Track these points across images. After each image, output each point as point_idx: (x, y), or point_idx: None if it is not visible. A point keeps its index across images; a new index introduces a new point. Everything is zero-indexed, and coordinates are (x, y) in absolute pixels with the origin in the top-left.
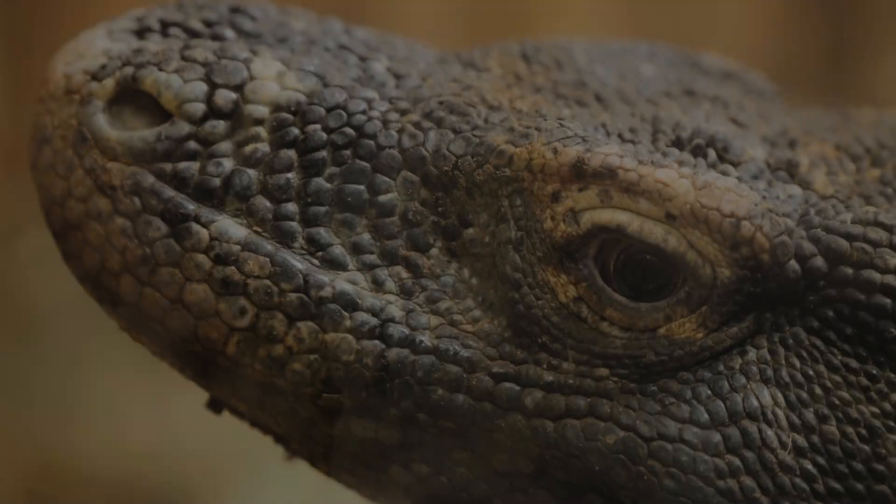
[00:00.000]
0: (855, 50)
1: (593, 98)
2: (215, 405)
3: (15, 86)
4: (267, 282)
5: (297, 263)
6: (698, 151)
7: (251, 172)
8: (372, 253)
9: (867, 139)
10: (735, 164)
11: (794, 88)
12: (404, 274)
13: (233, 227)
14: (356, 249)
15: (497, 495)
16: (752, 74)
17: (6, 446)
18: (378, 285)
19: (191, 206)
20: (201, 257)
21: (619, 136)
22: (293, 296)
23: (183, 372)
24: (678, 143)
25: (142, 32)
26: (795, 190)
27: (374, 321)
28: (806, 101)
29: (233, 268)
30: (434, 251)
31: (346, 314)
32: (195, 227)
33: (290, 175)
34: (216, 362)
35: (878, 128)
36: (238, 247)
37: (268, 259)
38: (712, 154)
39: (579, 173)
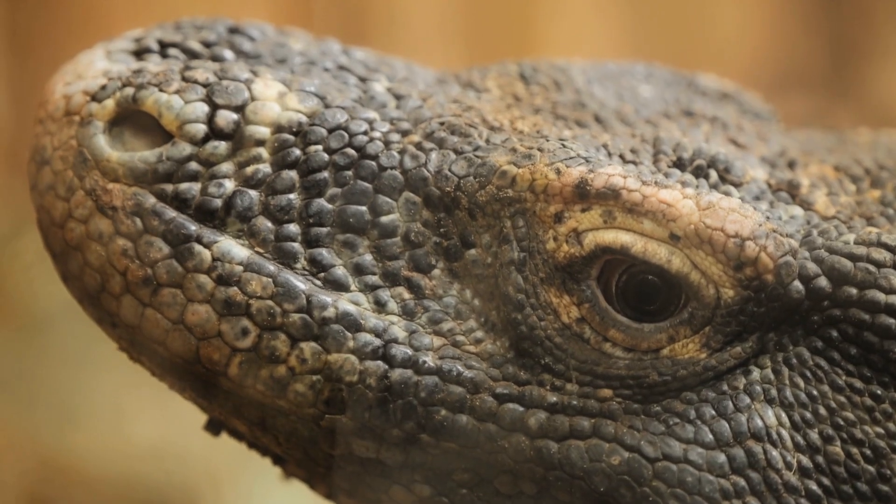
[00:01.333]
0: (857, 53)
1: (592, 119)
2: (213, 427)
3: (17, 85)
4: (270, 302)
5: (300, 284)
6: (700, 172)
7: (253, 193)
8: (374, 274)
9: (866, 160)
10: (737, 185)
11: (795, 92)
12: (406, 295)
13: (235, 248)
14: (358, 270)
15: None
16: (749, 95)
17: (8, 446)
18: (380, 306)
19: (193, 227)
20: (203, 278)
21: (621, 156)
22: (296, 316)
23: (183, 393)
24: (680, 164)
25: (140, 53)
26: (797, 211)
27: (377, 342)
28: (807, 105)
29: (235, 288)
30: (436, 272)
31: (349, 335)
32: (197, 247)
33: (291, 196)
34: (218, 383)
35: (875, 149)
36: (241, 267)
37: (270, 280)
38: (714, 175)
39: (583, 194)
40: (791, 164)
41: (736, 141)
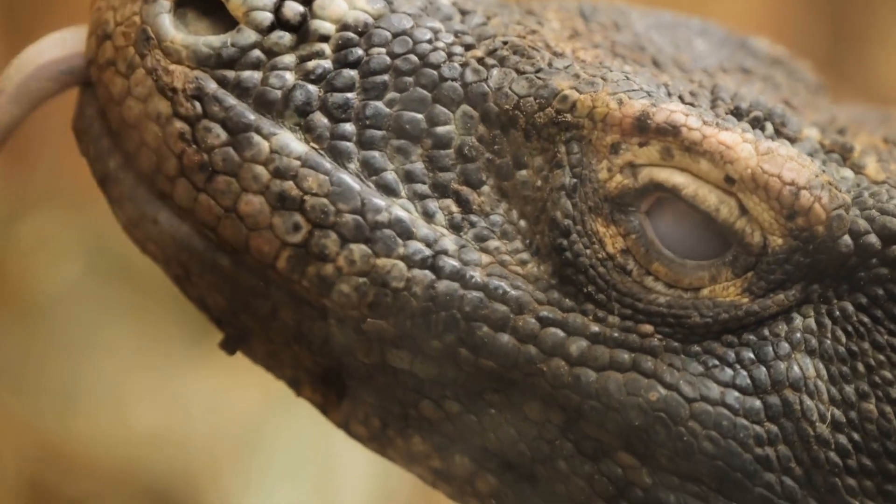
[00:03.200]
0: (857, 36)
1: (651, 62)
2: (230, 345)
3: None
4: (324, 200)
5: (356, 185)
6: (756, 123)
7: (312, 88)
8: (424, 183)
9: None
10: (792, 141)
11: None
12: (454, 208)
13: (293, 142)
14: (409, 178)
15: (523, 441)
16: (800, 63)
17: (9, 430)
18: (428, 216)
19: (252, 117)
20: (260, 169)
21: (681, 98)
22: (349, 217)
23: (216, 298)
24: (737, 113)
25: None
26: (848, 173)
27: (427, 251)
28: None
29: (291, 183)
30: (485, 188)
31: (400, 241)
32: (256, 137)
33: (350, 95)
34: (266, 276)
35: None
36: (298, 162)
37: (327, 178)
38: (770, 128)
39: (643, 127)
40: (841, 132)
41: (789, 102)
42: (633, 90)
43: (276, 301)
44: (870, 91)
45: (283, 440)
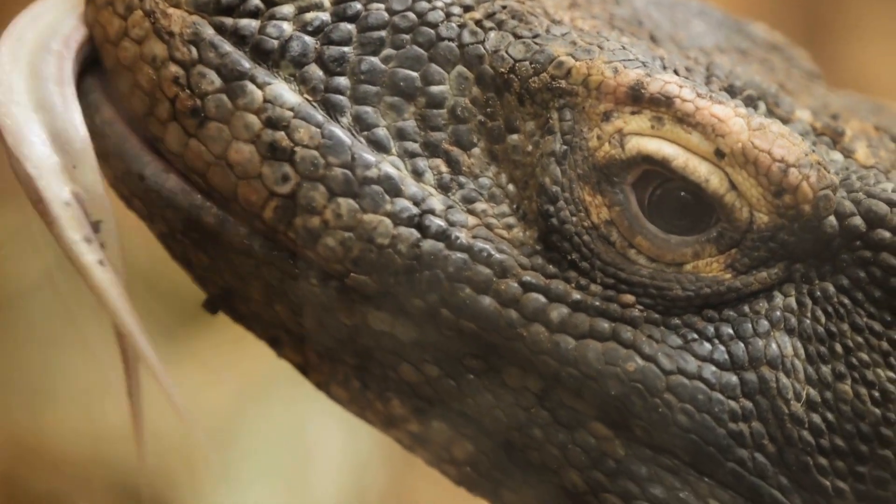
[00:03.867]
0: (830, 30)
1: (648, 37)
2: (212, 304)
3: None
4: (315, 152)
5: (346, 139)
6: (750, 102)
7: (309, 40)
8: (415, 141)
9: None
10: (784, 121)
11: None
12: (444, 168)
13: (287, 93)
14: (400, 135)
15: (500, 408)
16: (797, 51)
17: None
18: (417, 175)
19: (247, 65)
20: (252, 118)
21: (675, 72)
22: (338, 171)
23: (200, 255)
24: (730, 91)
25: None
26: (838, 156)
27: (414, 209)
28: None
29: (283, 133)
30: (476, 151)
31: (388, 198)
32: (250, 86)
33: (346, 49)
34: (252, 225)
35: None
36: (290, 113)
37: (318, 130)
38: (762, 106)
39: (636, 97)
40: (834, 117)
41: (784, 85)
42: (629, 60)
43: (259, 258)
44: (843, 83)
45: (256, 435)
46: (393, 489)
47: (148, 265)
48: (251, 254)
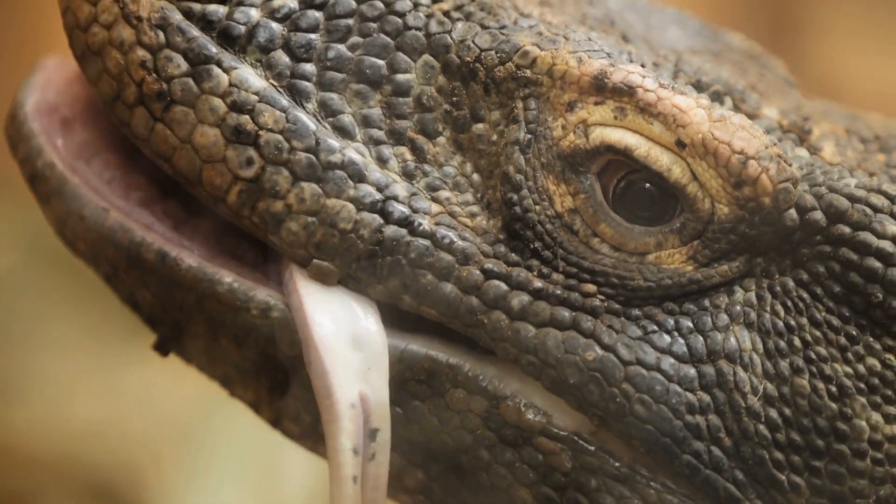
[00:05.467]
0: (797, 30)
1: (619, 36)
2: (162, 346)
3: None
4: (279, 136)
5: (311, 124)
6: (716, 97)
7: (276, 26)
8: (380, 129)
9: (877, 129)
10: (750, 117)
11: None
12: (408, 156)
13: (252, 77)
14: (365, 122)
15: (446, 432)
16: (774, 61)
17: None
18: (382, 162)
19: (214, 49)
20: (217, 101)
21: (642, 65)
22: (302, 155)
23: (144, 292)
24: (697, 86)
25: None
26: (803, 153)
27: (377, 195)
28: None
29: (247, 117)
30: (441, 139)
31: (351, 183)
32: (216, 70)
33: (313, 36)
34: (216, 210)
35: (886, 127)
36: (255, 97)
37: (283, 114)
38: (729, 102)
39: (599, 86)
40: (805, 119)
41: (755, 87)
42: (594, 50)
43: (199, 292)
44: (812, 82)
45: (226, 434)
46: None
47: None
48: (192, 288)
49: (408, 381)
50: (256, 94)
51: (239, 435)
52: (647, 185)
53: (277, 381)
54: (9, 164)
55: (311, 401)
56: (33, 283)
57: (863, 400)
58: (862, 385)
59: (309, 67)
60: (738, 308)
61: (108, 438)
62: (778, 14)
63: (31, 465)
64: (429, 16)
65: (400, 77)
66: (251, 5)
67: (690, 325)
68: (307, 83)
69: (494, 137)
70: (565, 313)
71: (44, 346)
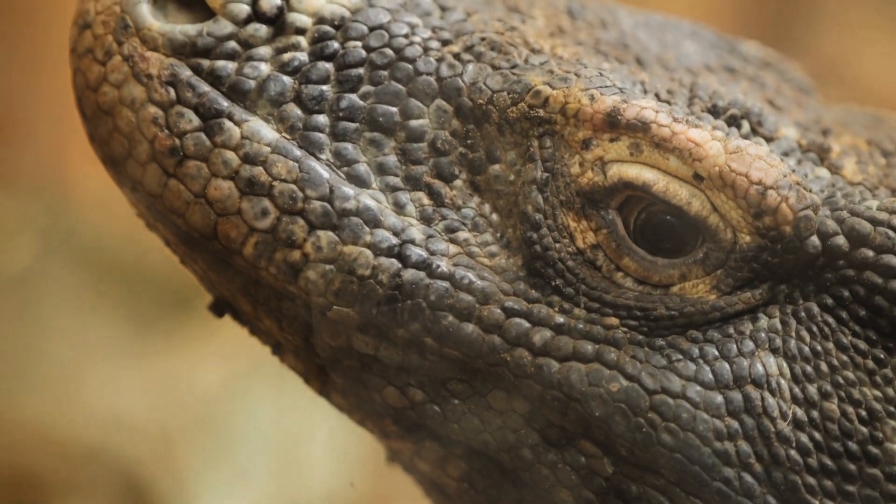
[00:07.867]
0: (802, 17)
1: (633, 60)
2: (218, 308)
3: None
4: (293, 186)
5: (325, 172)
6: (732, 121)
7: (286, 79)
8: (396, 175)
9: None
10: (768, 140)
11: None
12: (426, 200)
13: (264, 129)
14: (381, 170)
15: (488, 431)
16: (791, 66)
17: None
18: (399, 207)
19: (225, 103)
20: (230, 154)
21: (657, 95)
22: (317, 203)
23: (194, 265)
24: (714, 111)
25: None
26: (824, 173)
27: (394, 240)
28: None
29: (260, 168)
30: (458, 182)
31: (367, 229)
32: (227, 123)
33: (324, 87)
34: (231, 261)
35: None
36: (268, 148)
37: (296, 164)
38: (746, 126)
39: (613, 123)
40: (825, 132)
41: (773, 102)
42: (606, 86)
43: (246, 279)
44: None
45: (242, 424)
46: (382, 478)
47: (133, 256)
48: (239, 275)
49: (449, 380)
50: (269, 145)
51: (254, 424)
52: (668, 217)
53: (327, 353)
54: (22, 154)
55: (361, 372)
56: (50, 273)
57: (893, 423)
58: (892, 408)
59: (321, 119)
60: (763, 334)
61: (124, 428)
62: (784, 7)
63: (38, 448)
64: (439, 60)
65: (413, 123)
66: (261, 60)
67: (715, 352)
68: (320, 134)
69: (511, 177)
70: (588, 346)
71: (58, 336)
